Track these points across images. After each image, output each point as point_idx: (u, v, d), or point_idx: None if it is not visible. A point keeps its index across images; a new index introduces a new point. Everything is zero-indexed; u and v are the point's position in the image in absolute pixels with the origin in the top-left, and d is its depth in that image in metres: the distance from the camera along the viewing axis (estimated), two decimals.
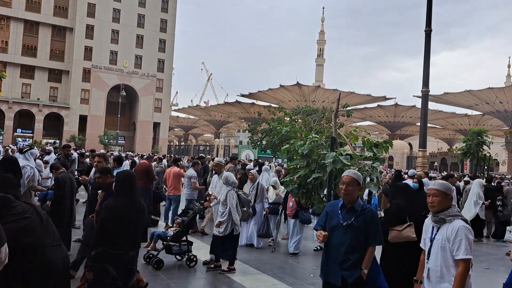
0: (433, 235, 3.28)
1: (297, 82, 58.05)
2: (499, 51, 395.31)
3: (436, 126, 69.20)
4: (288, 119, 22.35)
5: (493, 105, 52.90)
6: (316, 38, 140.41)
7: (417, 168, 16.26)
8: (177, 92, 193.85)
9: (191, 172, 10.12)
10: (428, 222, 3.39)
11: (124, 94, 51.22)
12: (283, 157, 5.54)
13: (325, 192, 5.19)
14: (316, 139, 5.48)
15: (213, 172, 9.18)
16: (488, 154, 20.74)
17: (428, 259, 3.30)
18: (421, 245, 3.47)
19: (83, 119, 54.72)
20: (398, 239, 4.98)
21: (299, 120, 20.62)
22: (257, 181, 8.93)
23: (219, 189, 7.67)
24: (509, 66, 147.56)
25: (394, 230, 5.10)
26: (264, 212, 8.73)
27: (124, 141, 58.99)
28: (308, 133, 5.67)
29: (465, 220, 3.18)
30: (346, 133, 6.11)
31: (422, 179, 10.60)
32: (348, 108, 29.09)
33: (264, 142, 22.19)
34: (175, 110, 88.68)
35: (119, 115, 51.42)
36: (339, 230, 3.60)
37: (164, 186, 11.31)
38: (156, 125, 60.62)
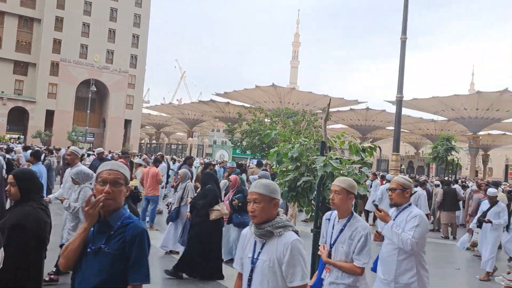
0: (256, 254, 2.44)
1: (273, 83, 58.38)
2: (462, 60, 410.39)
3: (404, 131, 70.94)
4: (268, 120, 22.44)
5: (458, 112, 54.86)
6: (291, 40, 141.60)
7: (390, 171, 16.70)
8: (149, 89, 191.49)
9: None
10: (249, 235, 2.55)
11: (95, 89, 49.97)
12: (272, 160, 5.60)
13: (314, 195, 5.28)
14: (306, 142, 5.56)
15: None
16: (456, 159, 21.55)
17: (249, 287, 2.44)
18: (235, 265, 2.64)
19: (50, 114, 53.00)
20: (220, 215, 6.40)
21: (279, 122, 20.76)
22: (186, 182, 7.96)
23: (69, 184, 6.01)
24: (473, 75, 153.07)
25: (214, 210, 6.34)
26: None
27: (93, 138, 57.59)
28: (298, 136, 5.75)
29: (297, 232, 2.47)
30: (333, 137, 6.22)
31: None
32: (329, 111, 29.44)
33: (244, 143, 22.17)
34: (146, 108, 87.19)
35: (88, 111, 50.10)
36: None
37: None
38: (127, 122, 59.49)
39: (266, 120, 22.87)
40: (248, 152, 22.78)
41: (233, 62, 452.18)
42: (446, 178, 19.68)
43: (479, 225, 8.23)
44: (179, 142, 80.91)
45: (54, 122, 52.87)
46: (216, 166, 15.70)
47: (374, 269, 3.92)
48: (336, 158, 5.49)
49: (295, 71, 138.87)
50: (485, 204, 8.48)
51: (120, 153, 14.41)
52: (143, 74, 60.96)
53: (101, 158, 11.25)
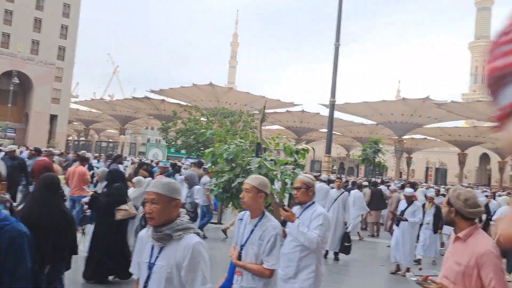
0: (153, 259, 2.26)
1: (210, 82, 57.92)
2: (390, 68, 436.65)
3: (336, 133, 73.88)
4: (204, 119, 22.12)
5: (385, 116, 58.15)
6: (229, 40, 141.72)
7: (323, 172, 17.24)
8: (78, 83, 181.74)
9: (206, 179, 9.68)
10: (146, 238, 2.37)
11: (17, 81, 46.43)
12: (207, 160, 5.50)
13: None
14: (241, 143, 5.54)
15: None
16: (383, 161, 22.80)
17: None
18: (132, 270, 2.47)
19: None
20: (127, 215, 6.08)
21: (216, 122, 20.54)
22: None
23: None
24: (399, 82, 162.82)
25: (121, 210, 6.07)
26: None
27: (14, 134, 53.47)
28: (233, 137, 5.71)
29: (198, 234, 2.32)
30: (268, 138, 6.25)
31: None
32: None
33: (179, 142, 21.66)
34: (75, 103, 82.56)
35: (9, 105, 46.41)
36: None
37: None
38: (53, 118, 55.90)
39: (202, 119, 22.57)
40: (183, 151, 22.34)
41: (170, 59, 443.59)
42: (373, 179, 20.74)
43: (397, 223, 8.71)
44: (110, 140, 77.72)
45: None
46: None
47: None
48: (271, 159, 5.51)
49: (233, 71, 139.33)
50: (403, 204, 8.88)
51: (32, 149, 13.12)
52: (72, 67, 57.71)
53: (12, 157, 10.00)
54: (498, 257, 2.40)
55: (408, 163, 73.89)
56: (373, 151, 21.29)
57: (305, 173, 10.07)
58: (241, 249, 3.15)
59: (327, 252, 9.32)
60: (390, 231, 11.09)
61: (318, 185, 12.88)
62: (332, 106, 16.23)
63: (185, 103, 45.38)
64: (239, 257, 3.15)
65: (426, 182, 50.11)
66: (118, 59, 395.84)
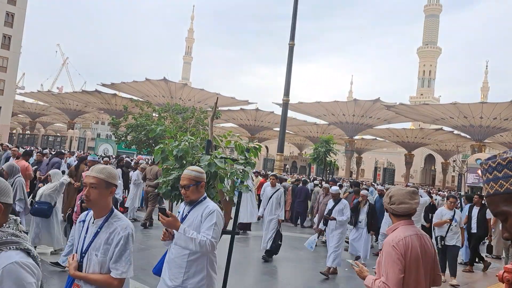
0: None
1: (164, 77, 56.91)
2: (343, 69, 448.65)
3: (290, 132, 75.00)
4: (156, 115, 21.69)
5: (337, 117, 59.73)
6: (184, 36, 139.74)
7: (274, 170, 17.51)
8: (24, 74, 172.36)
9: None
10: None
11: None
12: (156, 157, 5.47)
13: None
14: (192, 140, 5.54)
15: None
16: (334, 160, 23.45)
17: None
18: None
19: None
20: None
21: (168, 118, 20.22)
22: (15, 177, 6.78)
23: None
24: (351, 83, 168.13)
25: None
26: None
27: None
28: (183, 134, 5.70)
29: (27, 250, 1.72)
30: (220, 136, 6.30)
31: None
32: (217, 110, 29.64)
33: (129, 138, 21.13)
34: (20, 94, 78.34)
35: None
36: None
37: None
38: None
39: (154, 115, 22.17)
40: (133, 147, 21.87)
41: (124, 53, 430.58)
42: (322, 178, 21.30)
43: (325, 223, 8.56)
44: (58, 134, 74.47)
45: None
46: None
47: (157, 272, 3.46)
48: (221, 157, 5.57)
49: (188, 67, 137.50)
50: (330, 203, 8.69)
51: None
52: (18, 57, 54.70)
53: None
54: (394, 248, 2.67)
55: (358, 163, 76.31)
56: (324, 150, 21.81)
57: (273, 174, 10.07)
58: (82, 257, 2.61)
59: (269, 251, 9.01)
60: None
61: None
62: (285, 105, 16.50)
63: (137, 98, 44.33)
64: (80, 267, 2.59)
65: (374, 181, 52.05)
66: (68, 50, 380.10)
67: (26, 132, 76.97)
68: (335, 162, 24.40)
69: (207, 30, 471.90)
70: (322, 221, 9.05)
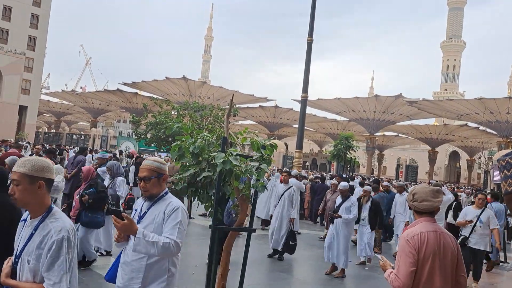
0: None
1: (184, 76, 57.38)
2: (363, 65, 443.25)
3: (309, 129, 74.61)
4: (175, 113, 21.93)
5: (358, 113, 59.07)
6: (203, 34, 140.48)
7: (293, 168, 17.44)
8: (49, 74, 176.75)
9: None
10: None
11: None
12: (173, 154, 5.51)
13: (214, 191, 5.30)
14: (208, 137, 5.56)
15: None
16: (354, 157, 23.20)
17: None
18: None
19: None
20: None
21: (186, 116, 20.42)
22: None
23: None
24: (372, 79, 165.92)
25: None
26: None
27: None
28: (200, 131, 5.72)
29: None
30: (235, 133, 6.30)
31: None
32: (234, 107, 29.78)
33: (149, 135, 21.42)
34: (46, 94, 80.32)
35: None
36: None
37: None
38: (23, 109, 54.33)
39: (173, 113, 22.39)
40: (153, 145, 22.14)
41: (144, 52, 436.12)
42: (344, 175, 21.10)
43: (331, 221, 8.09)
44: (82, 132, 76.01)
45: None
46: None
47: (110, 279, 3.04)
48: (237, 154, 5.57)
49: (207, 65, 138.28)
50: (338, 199, 8.28)
51: None
52: (43, 58, 56.11)
53: None
54: (407, 242, 2.77)
55: (380, 160, 75.33)
56: (344, 147, 21.58)
57: (275, 169, 9.98)
58: (16, 262, 2.28)
59: (274, 251, 8.81)
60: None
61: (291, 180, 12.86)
62: (304, 101, 16.39)
63: (157, 97, 44.81)
64: (14, 274, 2.26)
65: (397, 178, 51.32)
66: (91, 50, 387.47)
67: (52, 131, 78.88)
68: (355, 159, 24.16)
69: (226, 28, 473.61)
70: (328, 218, 8.66)
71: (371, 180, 18.70)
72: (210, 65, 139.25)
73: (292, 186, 9.27)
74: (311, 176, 16.54)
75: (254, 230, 5.68)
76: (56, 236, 2.18)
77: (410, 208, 3.05)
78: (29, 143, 18.85)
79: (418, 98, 53.19)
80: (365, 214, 8.88)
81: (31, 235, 2.24)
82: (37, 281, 2.20)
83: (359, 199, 8.97)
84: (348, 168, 25.03)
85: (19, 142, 16.69)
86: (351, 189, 10.54)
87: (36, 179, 2.23)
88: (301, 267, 8.72)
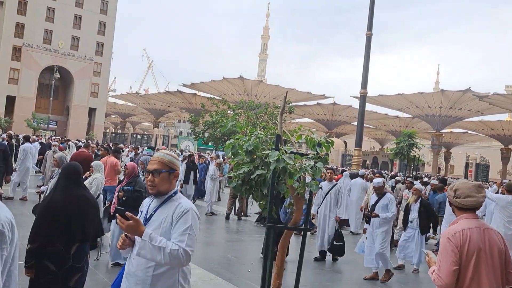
0: None
1: (240, 75, 58.13)
2: (426, 58, 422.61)
3: (370, 126, 72.59)
4: (231, 112, 22.25)
5: (422, 109, 56.43)
6: (260, 33, 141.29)
7: (352, 166, 16.96)
8: (115, 78, 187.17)
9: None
10: None
11: (58, 76, 48.37)
12: (227, 152, 5.51)
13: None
14: (261, 135, 5.49)
15: None
16: (417, 156, 22.09)
17: None
18: None
19: (11, 100, 50.87)
20: None
21: (242, 114, 20.64)
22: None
23: None
24: (438, 73, 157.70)
25: None
26: None
27: (56, 126, 55.77)
28: (254, 129, 5.67)
29: None
30: (290, 131, 6.18)
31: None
32: (290, 105, 29.63)
33: (206, 135, 21.94)
34: (112, 96, 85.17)
35: (51, 98, 48.44)
36: None
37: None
38: (92, 111, 57.94)
39: (229, 112, 22.73)
40: (210, 143, 22.59)
41: (202, 53, 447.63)
42: (407, 175, 20.19)
43: (368, 221, 7.51)
44: (145, 132, 79.60)
45: (15, 109, 50.84)
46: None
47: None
48: (291, 152, 5.45)
49: (264, 64, 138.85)
50: (373, 198, 7.61)
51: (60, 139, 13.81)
52: (109, 62, 59.42)
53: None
54: (449, 240, 2.67)
55: (447, 158, 71.48)
56: (407, 144, 20.58)
57: (329, 168, 9.59)
58: None
59: (324, 253, 8.35)
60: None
61: (354, 180, 12.41)
62: (363, 98, 15.90)
63: (213, 96, 45.78)
64: None
65: (466, 178, 48.45)
66: (152, 53, 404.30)
67: (118, 131, 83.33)
68: (419, 157, 23.01)
69: (282, 26, 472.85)
70: (364, 219, 8.01)
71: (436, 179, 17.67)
72: (266, 64, 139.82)
73: (337, 183, 8.86)
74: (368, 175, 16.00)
75: (310, 229, 5.54)
76: None
77: (450, 205, 2.92)
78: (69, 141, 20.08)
79: (489, 92, 49.76)
80: (413, 215, 8.10)
81: None
82: None
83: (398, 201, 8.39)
84: (412, 167, 23.91)
85: (88, 141, 17.69)
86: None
87: None
88: (358, 268, 8.23)
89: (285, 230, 5.12)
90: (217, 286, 6.06)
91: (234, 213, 12.34)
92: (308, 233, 6.73)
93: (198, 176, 13.66)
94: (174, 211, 2.47)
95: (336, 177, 14.17)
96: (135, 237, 2.41)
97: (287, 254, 6.68)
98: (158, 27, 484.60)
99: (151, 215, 2.55)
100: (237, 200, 12.34)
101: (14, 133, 25.96)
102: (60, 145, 14.53)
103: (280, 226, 5.35)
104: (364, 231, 7.86)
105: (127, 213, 2.33)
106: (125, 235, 2.44)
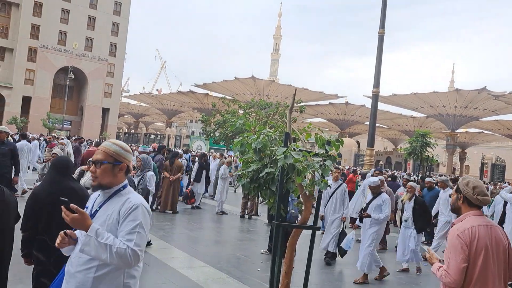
0: None
1: (252, 75, 58.18)
2: (441, 57, 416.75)
3: (383, 126, 72.00)
4: (242, 111, 22.28)
5: (436, 108, 55.73)
6: (272, 33, 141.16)
7: (364, 166, 16.81)
8: (128, 78, 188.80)
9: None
10: None
11: (73, 76, 49.00)
12: (235, 150, 5.48)
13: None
14: (270, 133, 5.46)
15: None
16: (431, 155, 21.74)
17: None
18: None
19: (26, 101, 51.73)
20: None
21: (253, 114, 20.63)
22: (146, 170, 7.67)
23: None
24: (453, 72, 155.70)
25: None
26: None
27: (70, 126, 56.52)
28: (262, 127, 5.64)
29: None
30: (299, 129, 6.13)
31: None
32: (301, 104, 29.50)
33: (217, 134, 21.98)
34: (126, 97, 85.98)
35: (66, 99, 49.12)
36: None
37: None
38: (105, 111, 58.56)
39: (240, 111, 22.76)
40: (221, 143, 22.64)
41: (214, 53, 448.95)
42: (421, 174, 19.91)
43: (360, 220, 7.24)
44: (158, 132, 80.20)
45: (31, 109, 51.68)
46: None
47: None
48: (300, 150, 5.40)
49: (276, 64, 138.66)
50: (368, 196, 7.36)
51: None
52: (123, 63, 59.99)
53: (1, 142, 8.19)
54: (458, 238, 2.67)
55: (462, 159, 70.44)
56: (420, 144, 20.27)
57: (336, 167, 9.39)
58: None
59: (332, 254, 8.02)
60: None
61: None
62: (375, 97, 15.74)
63: (227, 96, 45.94)
64: None
65: (481, 178, 47.67)
66: (165, 54, 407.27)
67: (131, 131, 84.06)
68: (433, 157, 22.67)
69: (294, 26, 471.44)
70: (357, 218, 7.68)
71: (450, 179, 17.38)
72: (278, 64, 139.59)
73: (343, 183, 8.52)
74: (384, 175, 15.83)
75: (319, 228, 5.47)
76: None
77: (457, 201, 2.90)
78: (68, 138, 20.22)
79: (505, 92, 48.89)
80: (408, 214, 7.87)
81: None
82: None
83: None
84: (426, 167, 23.59)
85: (101, 141, 17.84)
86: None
87: None
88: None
89: (293, 228, 5.07)
90: (227, 285, 6.05)
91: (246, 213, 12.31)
92: (318, 231, 6.87)
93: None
94: (122, 206, 2.25)
95: (352, 176, 14.07)
96: (79, 232, 2.21)
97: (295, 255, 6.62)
98: (171, 28, 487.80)
99: (96, 211, 2.32)
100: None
101: (9, 134, 26.39)
102: (53, 142, 14.94)
103: (289, 225, 5.32)
104: (355, 227, 7.73)
105: (72, 205, 2.10)
106: (64, 232, 2.21)
